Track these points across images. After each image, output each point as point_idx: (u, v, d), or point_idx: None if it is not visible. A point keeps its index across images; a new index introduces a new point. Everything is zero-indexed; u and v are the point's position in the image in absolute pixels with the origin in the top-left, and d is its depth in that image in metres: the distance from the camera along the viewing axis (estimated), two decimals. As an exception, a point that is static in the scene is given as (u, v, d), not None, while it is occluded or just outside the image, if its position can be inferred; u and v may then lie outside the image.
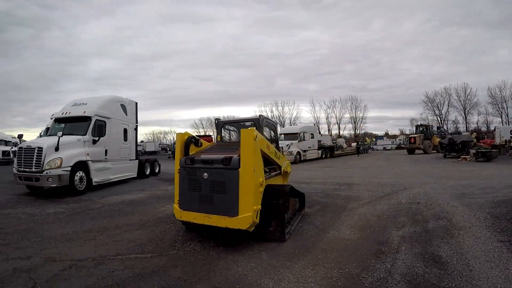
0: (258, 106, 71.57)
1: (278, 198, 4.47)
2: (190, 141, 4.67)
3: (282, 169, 5.72)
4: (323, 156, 27.83)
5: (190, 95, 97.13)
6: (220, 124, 6.06)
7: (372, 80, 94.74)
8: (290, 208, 4.92)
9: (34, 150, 8.46)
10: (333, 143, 36.11)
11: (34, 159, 8.38)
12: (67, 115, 10.25)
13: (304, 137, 24.25)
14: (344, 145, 47.15)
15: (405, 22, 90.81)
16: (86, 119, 10.06)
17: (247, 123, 5.73)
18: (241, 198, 3.86)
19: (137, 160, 13.32)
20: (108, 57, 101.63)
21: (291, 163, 21.46)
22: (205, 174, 4.14)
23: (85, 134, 9.77)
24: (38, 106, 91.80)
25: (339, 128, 72.46)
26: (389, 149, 48.52)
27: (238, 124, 6.11)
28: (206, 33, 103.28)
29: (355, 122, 72.61)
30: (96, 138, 10.05)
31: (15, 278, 3.41)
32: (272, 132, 6.36)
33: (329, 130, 68.90)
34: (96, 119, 10.23)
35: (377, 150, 48.92)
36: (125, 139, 12.26)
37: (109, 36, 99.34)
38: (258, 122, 5.48)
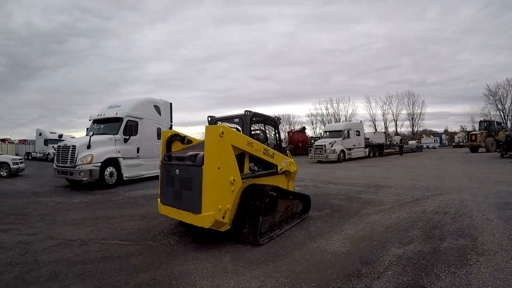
0: (313, 104, 70.64)
1: (256, 199, 4.37)
2: (171, 138, 5.05)
3: (279, 168, 5.37)
4: (371, 155, 26.56)
5: (247, 94, 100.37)
6: (212, 121, 6.14)
7: (431, 73, 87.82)
8: (277, 210, 4.85)
9: (69, 148, 9.98)
10: (388, 141, 33.89)
11: (69, 155, 9.84)
12: (102, 116, 11.72)
13: (348, 134, 23.45)
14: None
15: (462, 8, 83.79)
16: (118, 120, 11.35)
17: (236, 120, 5.60)
18: (204, 195, 3.88)
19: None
20: (164, 60, 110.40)
21: (334, 161, 21.72)
22: (177, 170, 4.32)
23: (116, 134, 11.06)
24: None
25: (396, 125, 67.97)
26: (432, 148, 47.59)
27: (229, 120, 6.00)
28: (258, 33, 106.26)
29: (412, 119, 67.55)
30: (127, 137, 11.24)
31: (15, 247, 4.34)
32: (271, 129, 6.07)
33: (385, 127, 65.02)
34: (128, 120, 11.46)
35: (434, 148, 46.95)
36: (159, 138, 13.39)
37: (164, 40, 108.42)
38: (244, 118, 5.31)
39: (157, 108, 13.49)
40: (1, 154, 19.31)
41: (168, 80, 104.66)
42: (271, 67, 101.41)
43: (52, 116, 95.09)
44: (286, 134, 40.02)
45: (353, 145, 24.11)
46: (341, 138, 22.83)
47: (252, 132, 5.51)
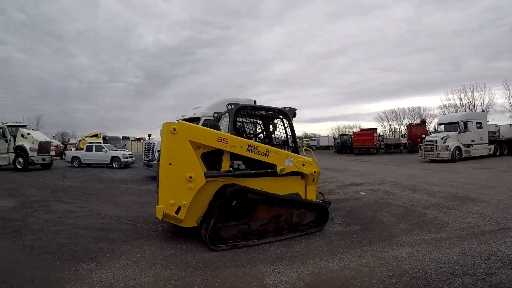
0: (445, 94, 58.32)
1: (214, 200, 4.24)
2: None
3: (280, 168, 4.66)
4: (497, 153, 20.68)
5: (373, 87, 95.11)
6: (217, 119, 6.32)
7: None
8: (257, 217, 4.47)
9: (150, 145, 12.64)
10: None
11: (150, 151, 12.50)
12: (184, 117, 14.07)
13: (465, 127, 18.62)
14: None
15: None
16: (196, 119, 13.40)
17: (225, 114, 5.52)
18: (159, 189, 4.09)
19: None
20: (287, 60, 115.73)
21: (447, 160, 18.19)
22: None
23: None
24: None
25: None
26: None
27: (224, 115, 5.94)
28: (377, 21, 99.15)
29: None
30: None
31: (61, 213, 6.49)
32: (280, 123, 5.52)
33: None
34: (205, 119, 13.37)
35: None
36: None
37: (283, 41, 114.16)
38: (231, 113, 4.99)
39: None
40: (123, 150, 24.86)
41: (293, 78, 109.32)
42: (396, 57, 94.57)
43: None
44: (406, 128, 35.62)
45: (472, 141, 18.87)
46: (457, 132, 18.25)
47: (247, 127, 5.38)
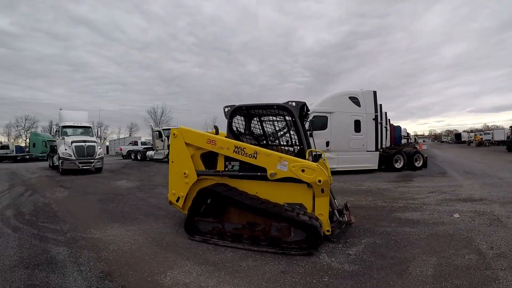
0: None
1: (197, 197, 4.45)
2: None
3: (270, 172, 4.11)
4: None
5: None
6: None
7: None
8: (230, 219, 4.31)
9: None
10: None
11: None
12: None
13: None
14: None
15: None
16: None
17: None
18: (168, 181, 5.00)
19: (377, 152, 13.65)
20: (456, 40, 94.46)
21: None
22: None
23: (302, 128, 12.73)
24: (405, 101, 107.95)
25: None
26: None
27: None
28: None
29: None
30: (311, 132, 12.51)
31: (149, 193, 8.05)
32: (282, 120, 4.88)
33: None
34: (314, 116, 12.67)
35: None
36: (357, 130, 13.29)
37: (447, 20, 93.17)
38: (226, 115, 4.93)
39: (354, 99, 13.39)
40: None
41: (467, 61, 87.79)
42: None
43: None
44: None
45: None
46: None
47: (248, 129, 5.04)
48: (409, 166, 13.85)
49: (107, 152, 46.06)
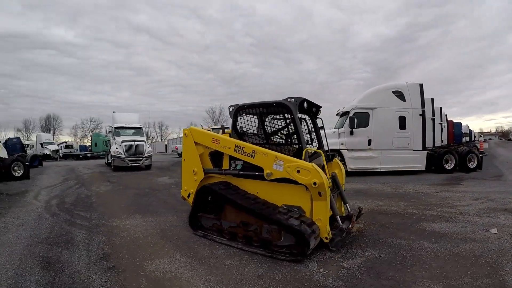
0: None
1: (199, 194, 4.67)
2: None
3: (266, 172, 4.01)
4: None
5: None
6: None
7: None
8: (226, 217, 4.33)
9: None
10: None
11: None
12: (339, 111, 13.32)
13: None
14: None
15: None
16: (347, 113, 12.33)
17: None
18: (182, 177, 5.24)
19: (425, 151, 12.49)
20: None
21: None
22: None
23: (341, 127, 12.23)
24: (470, 95, 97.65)
25: None
26: None
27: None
28: None
29: None
30: (351, 129, 11.97)
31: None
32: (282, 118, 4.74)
33: None
34: (354, 112, 12.10)
35: None
36: (402, 127, 12.34)
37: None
38: (231, 114, 4.98)
39: (398, 94, 12.42)
40: None
41: None
42: None
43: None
44: None
45: None
46: None
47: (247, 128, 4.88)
48: (462, 167, 12.35)
49: (165, 151, 49.14)
